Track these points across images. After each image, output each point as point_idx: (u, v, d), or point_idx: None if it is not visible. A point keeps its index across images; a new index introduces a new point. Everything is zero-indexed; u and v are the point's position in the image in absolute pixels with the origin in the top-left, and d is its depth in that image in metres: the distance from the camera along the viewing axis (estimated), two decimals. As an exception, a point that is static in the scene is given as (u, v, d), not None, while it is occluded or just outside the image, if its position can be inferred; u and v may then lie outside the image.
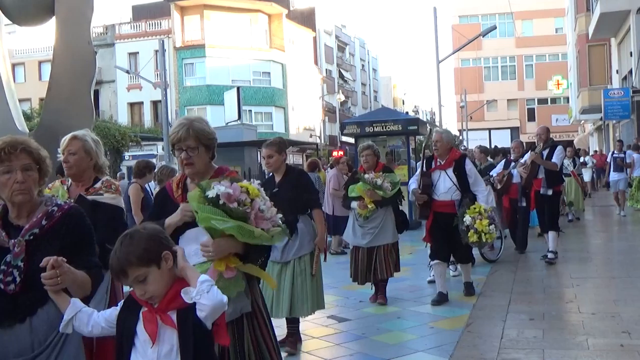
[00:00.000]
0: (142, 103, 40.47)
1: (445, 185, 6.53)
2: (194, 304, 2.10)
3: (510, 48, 47.51)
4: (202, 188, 2.61)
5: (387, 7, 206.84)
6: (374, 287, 6.82)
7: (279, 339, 3.31)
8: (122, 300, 2.31)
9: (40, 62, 40.78)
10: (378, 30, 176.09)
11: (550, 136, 8.58)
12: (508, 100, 48.73)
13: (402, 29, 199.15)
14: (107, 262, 2.22)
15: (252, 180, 2.79)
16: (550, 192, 8.27)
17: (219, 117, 27.55)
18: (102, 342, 2.74)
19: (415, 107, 68.30)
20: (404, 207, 7.04)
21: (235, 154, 19.16)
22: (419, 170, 6.90)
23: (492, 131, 46.22)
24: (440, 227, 6.57)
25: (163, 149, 23.10)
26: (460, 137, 41.61)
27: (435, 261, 6.67)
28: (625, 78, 23.62)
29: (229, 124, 24.77)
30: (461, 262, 7.03)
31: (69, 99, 6.46)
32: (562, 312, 5.88)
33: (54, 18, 6.56)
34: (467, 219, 6.28)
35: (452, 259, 7.20)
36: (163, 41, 22.98)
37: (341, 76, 55.03)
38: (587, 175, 17.89)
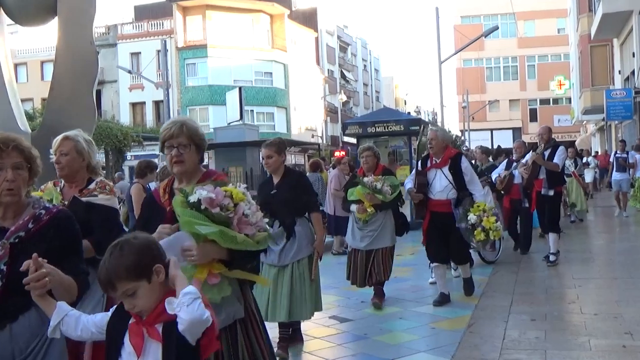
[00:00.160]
0: (144, 103, 40.51)
1: (441, 184, 6.41)
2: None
3: (513, 48, 47.47)
4: (185, 193, 2.56)
5: (389, 8, 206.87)
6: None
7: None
8: (114, 307, 2.20)
9: (42, 62, 40.87)
10: (380, 30, 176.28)
11: (552, 136, 8.55)
12: (510, 100, 48.67)
13: (404, 29, 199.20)
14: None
15: (238, 184, 2.72)
16: (551, 193, 8.23)
17: (221, 117, 27.60)
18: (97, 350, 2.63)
19: (417, 107, 68.28)
20: (406, 208, 6.96)
21: (237, 154, 19.19)
22: (414, 169, 6.79)
23: (494, 132, 46.23)
24: (437, 227, 6.45)
25: (165, 149, 23.05)
26: (463, 138, 41.62)
27: (435, 264, 6.64)
28: (627, 79, 23.59)
29: (231, 124, 24.79)
30: (459, 264, 6.96)
31: (71, 99, 6.47)
32: (564, 312, 5.87)
33: (56, 18, 6.57)
34: (472, 217, 6.19)
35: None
36: (165, 41, 23.06)
37: (343, 76, 55.05)
38: (589, 175, 17.85)
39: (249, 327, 2.77)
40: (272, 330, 5.18)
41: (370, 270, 6.49)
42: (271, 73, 41.30)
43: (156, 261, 2.09)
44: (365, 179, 6.38)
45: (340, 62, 54.26)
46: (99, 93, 37.34)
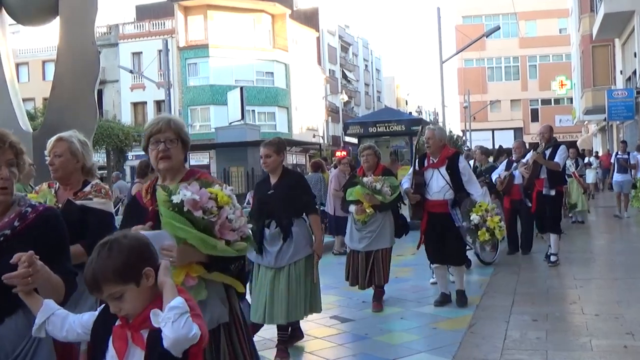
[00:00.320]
0: (145, 103, 40.53)
1: (438, 184, 6.28)
2: None
3: (514, 48, 47.45)
4: (169, 191, 2.49)
5: (391, 8, 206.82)
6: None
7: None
8: (101, 306, 2.08)
9: (44, 62, 40.90)
10: (381, 30, 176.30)
11: (554, 136, 8.53)
12: (511, 100, 48.66)
13: (406, 29, 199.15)
14: None
15: (224, 186, 2.64)
16: (552, 193, 8.20)
17: (223, 117, 27.62)
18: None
19: (418, 107, 68.41)
20: (406, 209, 6.89)
21: (238, 153, 19.24)
22: (411, 169, 6.66)
23: (495, 132, 46.21)
24: (435, 228, 6.33)
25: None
26: (464, 138, 41.58)
27: (435, 265, 6.62)
28: (629, 79, 23.58)
29: (232, 124, 24.83)
30: (454, 265, 6.60)
31: (73, 99, 6.49)
32: (565, 313, 5.86)
33: (57, 18, 6.58)
34: (475, 217, 6.11)
35: None
36: (166, 41, 23.08)
37: (344, 76, 55.06)
38: (590, 176, 17.81)
39: (233, 332, 2.69)
40: (272, 331, 5.21)
41: (371, 271, 6.42)
42: (272, 73, 41.32)
43: (146, 264, 1.94)
44: (365, 179, 6.30)
45: (341, 62, 54.27)
46: (100, 93, 37.32)
